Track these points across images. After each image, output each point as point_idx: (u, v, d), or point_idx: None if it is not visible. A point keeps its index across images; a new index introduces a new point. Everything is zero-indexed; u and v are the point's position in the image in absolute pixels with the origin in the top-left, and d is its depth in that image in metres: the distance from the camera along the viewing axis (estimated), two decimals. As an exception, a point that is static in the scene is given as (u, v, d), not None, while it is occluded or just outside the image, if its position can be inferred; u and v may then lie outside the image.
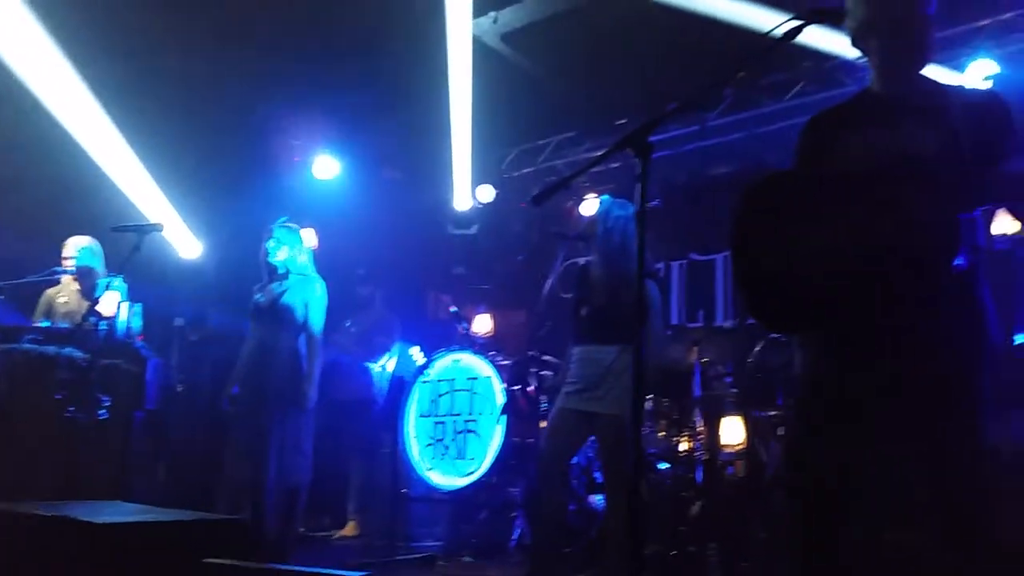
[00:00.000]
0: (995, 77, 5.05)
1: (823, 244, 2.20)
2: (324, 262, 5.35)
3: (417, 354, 6.40)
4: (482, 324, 6.88)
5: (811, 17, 2.06)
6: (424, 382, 5.96)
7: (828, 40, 2.24)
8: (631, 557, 2.19)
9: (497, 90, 6.43)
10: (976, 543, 2.10)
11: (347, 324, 6.43)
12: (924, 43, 2.28)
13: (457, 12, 5.87)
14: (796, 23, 2.07)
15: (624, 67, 6.15)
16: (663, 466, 5.13)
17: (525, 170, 7.95)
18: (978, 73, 5.12)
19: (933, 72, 2.37)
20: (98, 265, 5.25)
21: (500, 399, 5.43)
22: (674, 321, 6.90)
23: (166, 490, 5.26)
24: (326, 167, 7.47)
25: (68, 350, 4.29)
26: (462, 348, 5.92)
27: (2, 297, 4.65)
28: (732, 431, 5.16)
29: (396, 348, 6.44)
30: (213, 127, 6.63)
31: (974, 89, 2.42)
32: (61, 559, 2.56)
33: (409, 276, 7.82)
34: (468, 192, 7.43)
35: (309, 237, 6.66)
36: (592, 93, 6.66)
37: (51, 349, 4.25)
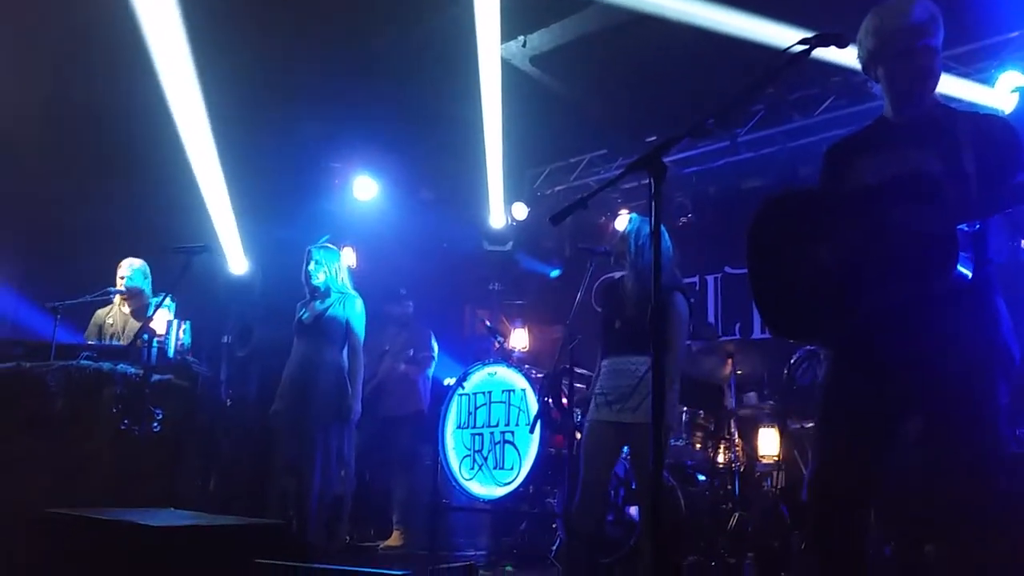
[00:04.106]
0: (1022, 89, 5.02)
1: (827, 257, 2.29)
2: (363, 280, 5.51)
3: None
4: (518, 339, 6.99)
5: (815, 41, 2.15)
6: (461, 395, 6.07)
7: (855, 56, 2.32)
8: (656, 561, 2.25)
9: (528, 110, 6.57)
10: (999, 550, 2.12)
11: (388, 345, 6.59)
12: (930, 72, 2.35)
13: (487, 37, 6.02)
14: (801, 47, 2.16)
15: (652, 84, 6.25)
16: (701, 478, 5.18)
17: (558, 188, 8.08)
18: (1007, 85, 5.11)
19: (960, 86, 2.45)
20: (147, 286, 5.49)
21: (534, 410, 5.53)
22: (709, 334, 6.94)
23: (216, 499, 5.42)
24: (365, 188, 7.67)
25: (122, 366, 4.40)
26: (497, 362, 6.04)
27: (60, 316, 4.81)
28: (769, 443, 5.19)
29: (437, 355, 6.60)
30: (259, 151, 6.87)
31: (983, 112, 2.48)
32: (119, 560, 2.67)
33: (446, 292, 7.97)
34: (502, 210, 7.56)
35: (348, 255, 6.87)
36: (622, 110, 6.77)
37: (106, 365, 4.37)
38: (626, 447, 4.05)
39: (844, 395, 2.35)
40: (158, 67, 5.97)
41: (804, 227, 2.37)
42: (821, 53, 2.23)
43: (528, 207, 7.84)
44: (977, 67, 5.45)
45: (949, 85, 5.07)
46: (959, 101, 4.97)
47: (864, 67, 2.47)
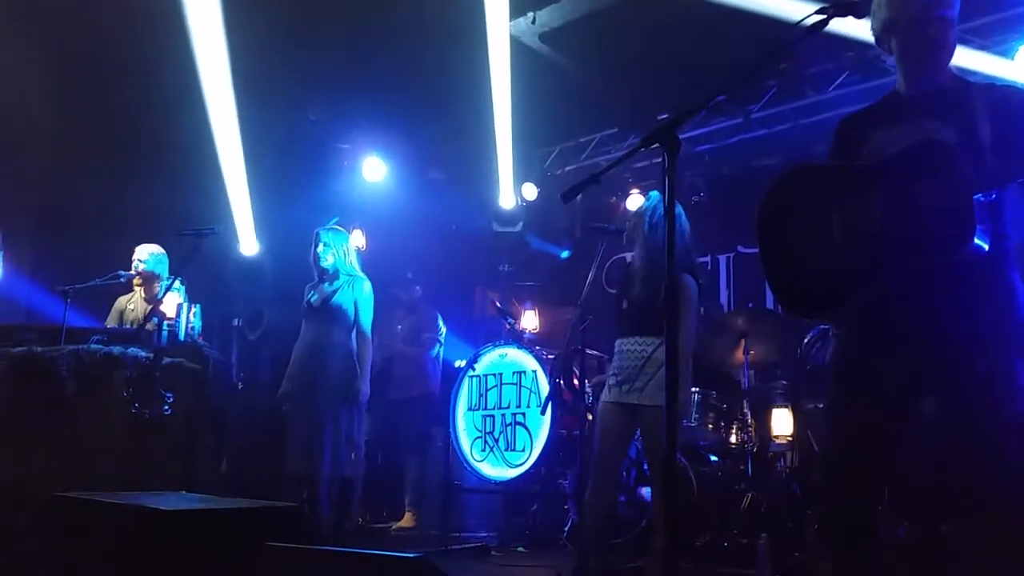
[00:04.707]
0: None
1: (840, 231, 2.25)
2: (372, 262, 5.48)
3: None
4: (529, 320, 6.97)
5: (832, 11, 2.10)
6: (472, 376, 6.06)
7: (869, 28, 2.27)
8: (669, 538, 2.22)
9: (538, 89, 6.48)
10: (1017, 528, 2.07)
11: (398, 328, 6.58)
12: (944, 43, 2.30)
13: (495, 14, 5.93)
14: (819, 17, 2.11)
15: (663, 61, 6.15)
16: (713, 458, 5.16)
17: (568, 167, 8.02)
18: (1026, 58, 5.02)
19: (978, 60, 2.39)
20: (163, 271, 5.49)
21: (546, 392, 5.51)
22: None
23: (228, 482, 5.44)
24: (374, 169, 7.63)
25: (132, 350, 4.39)
26: (508, 343, 6.01)
27: (70, 300, 4.81)
28: (782, 423, 5.15)
29: (444, 336, 6.59)
30: (268, 133, 6.84)
31: (999, 83, 2.42)
32: (130, 543, 2.66)
33: (456, 274, 7.94)
34: (512, 191, 7.51)
35: (357, 238, 6.84)
36: (633, 88, 6.68)
37: (117, 349, 4.35)
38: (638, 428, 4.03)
39: (855, 373, 2.31)
40: (192, 50, 5.95)
41: (816, 201, 2.33)
42: (835, 26, 2.18)
43: (538, 188, 7.78)
44: (996, 40, 5.35)
45: (967, 58, 4.97)
46: (977, 74, 4.88)
47: (877, 39, 2.42)
